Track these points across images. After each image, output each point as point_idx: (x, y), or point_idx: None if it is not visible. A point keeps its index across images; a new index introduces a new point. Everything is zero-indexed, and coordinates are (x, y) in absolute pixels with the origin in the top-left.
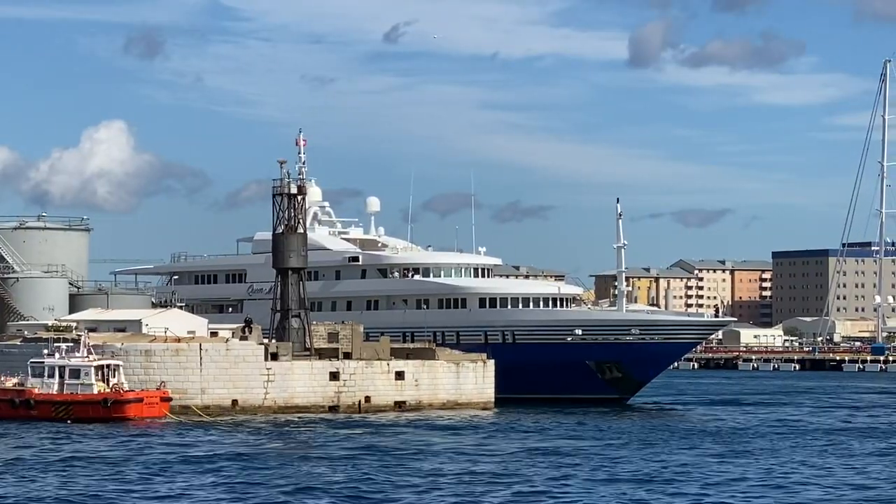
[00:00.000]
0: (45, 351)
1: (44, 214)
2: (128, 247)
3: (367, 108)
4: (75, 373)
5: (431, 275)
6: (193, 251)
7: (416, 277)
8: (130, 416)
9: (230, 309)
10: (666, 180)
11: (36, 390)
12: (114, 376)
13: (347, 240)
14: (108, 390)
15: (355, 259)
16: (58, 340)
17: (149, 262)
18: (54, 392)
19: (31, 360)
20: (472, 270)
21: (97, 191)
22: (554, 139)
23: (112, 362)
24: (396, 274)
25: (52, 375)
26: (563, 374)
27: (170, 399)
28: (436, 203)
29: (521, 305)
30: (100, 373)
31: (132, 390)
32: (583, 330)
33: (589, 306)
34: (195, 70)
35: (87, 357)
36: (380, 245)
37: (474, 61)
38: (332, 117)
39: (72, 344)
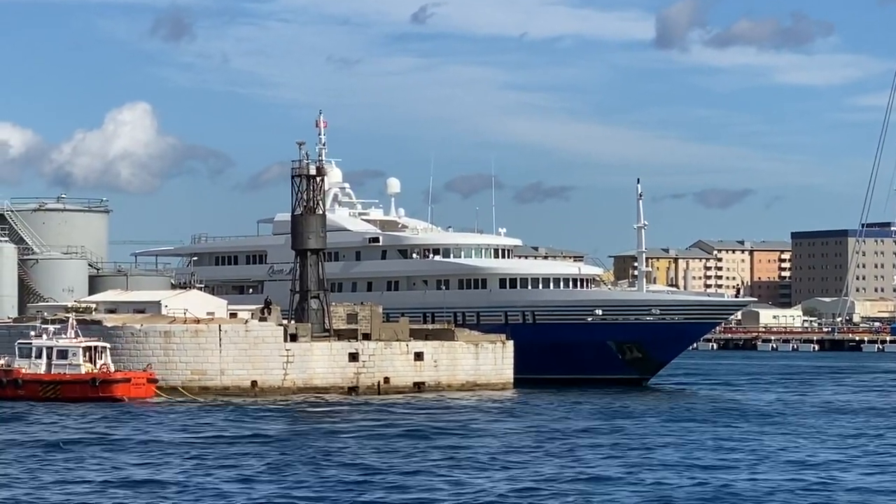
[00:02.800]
0: (33, 333)
1: (63, 196)
2: (150, 228)
3: (390, 90)
4: (63, 353)
5: (452, 255)
6: (217, 233)
7: (437, 258)
8: (118, 395)
9: (251, 290)
10: (686, 161)
11: (24, 370)
12: (101, 357)
13: (368, 221)
14: (95, 371)
15: (375, 240)
16: (46, 322)
17: (170, 244)
18: (42, 372)
19: (19, 341)
20: (492, 251)
21: (120, 172)
22: (574, 120)
23: (99, 344)
24: (416, 255)
25: (39, 356)
26: (583, 354)
27: (156, 380)
28: (458, 184)
29: (541, 286)
30: (87, 353)
31: (119, 370)
32: (603, 310)
33: (608, 287)
34: (218, 52)
35: (75, 338)
36: (400, 226)
37: (496, 42)
38: (355, 99)
39: (59, 326)
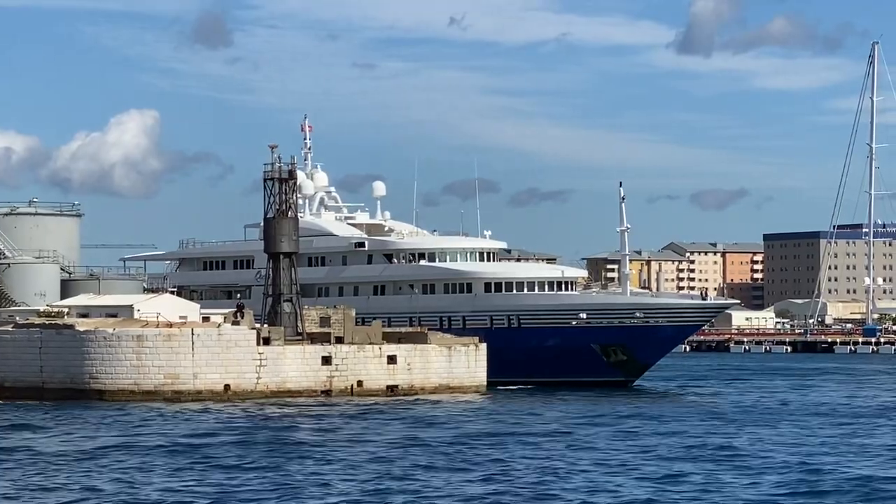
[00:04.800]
0: None
1: (35, 200)
2: (146, 233)
3: (384, 94)
4: None
5: (437, 259)
6: (213, 238)
7: (422, 262)
8: None
9: (238, 295)
10: (660, 164)
11: None
12: None
13: (354, 224)
14: None
15: (361, 244)
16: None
17: (159, 249)
18: None
19: None
20: (477, 254)
21: (117, 177)
22: (555, 125)
23: None
24: (402, 259)
25: None
26: (568, 357)
27: None
28: (458, 188)
29: (525, 289)
30: None
31: None
32: (587, 314)
33: (581, 289)
34: (208, 59)
35: None
36: (386, 229)
37: (480, 47)
38: (344, 102)
39: None
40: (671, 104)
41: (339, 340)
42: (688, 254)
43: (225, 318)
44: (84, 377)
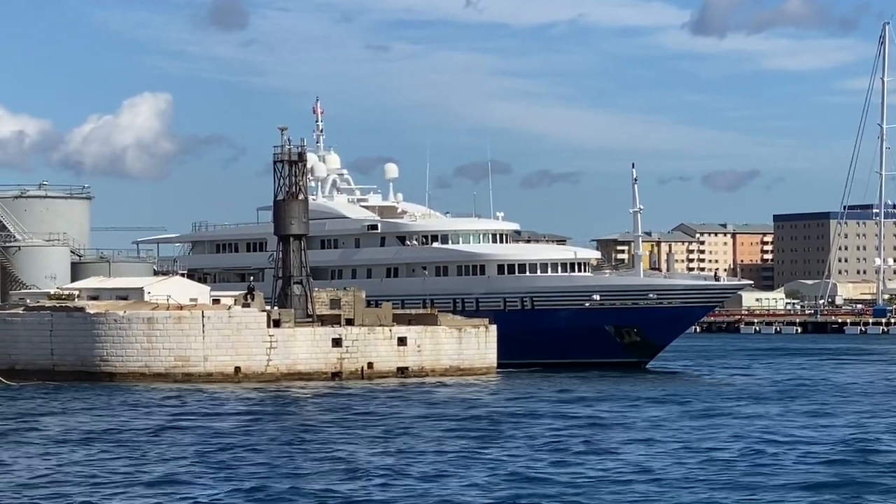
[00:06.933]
0: None
1: (45, 182)
2: (158, 215)
3: (396, 76)
4: None
5: (450, 241)
6: (228, 221)
7: (435, 244)
8: None
9: (251, 278)
10: (672, 145)
11: None
12: None
13: (366, 207)
14: None
15: (374, 227)
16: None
17: (170, 232)
18: None
19: None
20: (490, 236)
21: (128, 160)
22: (567, 106)
23: None
24: (415, 241)
25: None
26: (581, 339)
27: None
28: (470, 170)
29: (539, 271)
30: None
31: None
32: (601, 295)
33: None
34: (220, 42)
35: None
36: (399, 211)
37: (491, 29)
38: (353, 86)
39: None
40: (683, 85)
41: (350, 322)
42: (698, 235)
43: (235, 300)
44: (95, 359)
